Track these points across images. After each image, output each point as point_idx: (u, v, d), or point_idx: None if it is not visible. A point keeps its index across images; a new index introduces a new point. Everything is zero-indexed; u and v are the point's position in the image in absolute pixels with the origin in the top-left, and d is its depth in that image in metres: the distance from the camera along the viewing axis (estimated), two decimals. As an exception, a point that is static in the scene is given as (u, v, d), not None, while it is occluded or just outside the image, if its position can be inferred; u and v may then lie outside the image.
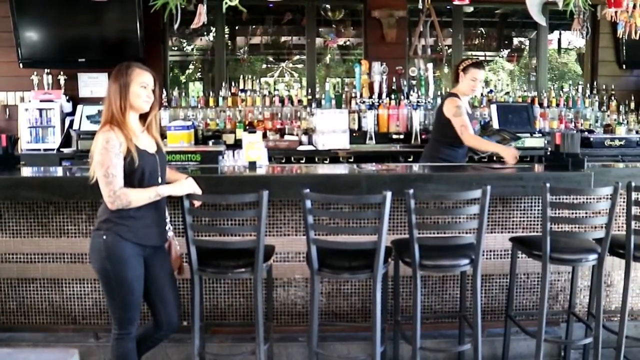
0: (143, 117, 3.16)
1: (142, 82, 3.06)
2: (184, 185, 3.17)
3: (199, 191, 3.21)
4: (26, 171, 4.31)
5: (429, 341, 3.78)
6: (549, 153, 4.29)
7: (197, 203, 3.31)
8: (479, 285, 3.35)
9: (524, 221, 4.06)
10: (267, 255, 3.32)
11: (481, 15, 8.73)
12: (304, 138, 6.50)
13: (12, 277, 4.06)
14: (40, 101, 6.60)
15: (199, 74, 9.82)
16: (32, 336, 4.01)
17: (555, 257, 3.41)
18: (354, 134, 6.47)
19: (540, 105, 7.06)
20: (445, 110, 4.77)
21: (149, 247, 3.12)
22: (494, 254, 4.07)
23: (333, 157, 6.09)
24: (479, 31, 9.56)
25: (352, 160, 6.03)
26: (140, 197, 2.98)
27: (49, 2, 6.46)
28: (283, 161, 6.07)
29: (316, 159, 6.12)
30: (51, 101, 6.60)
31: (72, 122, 6.53)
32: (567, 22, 5.37)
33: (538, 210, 4.03)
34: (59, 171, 4.57)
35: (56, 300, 4.07)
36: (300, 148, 6.31)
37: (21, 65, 6.55)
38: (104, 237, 2.99)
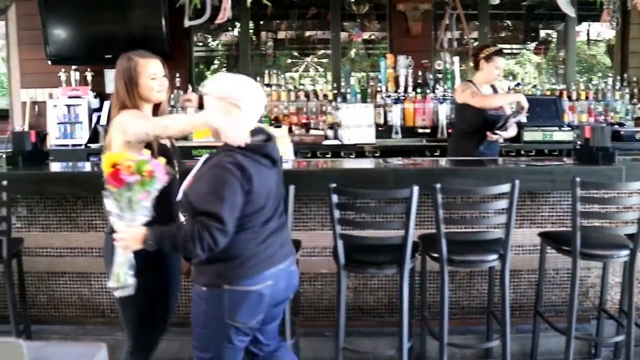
0: (155, 106, 2.95)
1: (150, 73, 2.82)
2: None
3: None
4: (55, 166, 4.36)
5: (456, 337, 3.75)
6: (578, 147, 4.22)
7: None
8: (508, 280, 3.32)
9: (552, 216, 4.00)
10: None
11: (507, 8, 8.61)
12: (330, 132, 6.47)
13: (42, 271, 4.12)
14: (68, 97, 6.67)
15: (224, 69, 9.84)
16: (61, 329, 4.07)
17: (585, 253, 3.36)
18: (380, 129, 6.43)
19: (569, 98, 6.94)
20: (456, 97, 4.91)
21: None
22: (522, 249, 4.02)
23: (359, 151, 6.07)
24: (505, 24, 9.45)
25: (377, 154, 5.99)
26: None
27: (76, 0, 6.52)
28: (308, 156, 6.05)
29: (342, 154, 6.10)
30: (79, 97, 6.66)
31: (99, 117, 6.59)
32: (597, 14, 5.28)
33: (567, 205, 3.96)
34: (86, 166, 4.61)
35: (85, 293, 4.13)
36: (326, 142, 6.29)
37: (49, 62, 6.62)
38: None
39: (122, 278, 2.53)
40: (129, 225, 2.47)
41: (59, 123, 6.60)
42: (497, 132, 4.62)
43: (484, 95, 4.72)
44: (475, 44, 7.34)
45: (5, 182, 3.44)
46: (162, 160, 2.51)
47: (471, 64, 5.31)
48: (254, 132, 2.58)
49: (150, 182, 2.41)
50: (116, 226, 2.51)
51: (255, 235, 2.53)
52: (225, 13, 4.64)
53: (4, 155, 4.25)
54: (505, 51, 5.04)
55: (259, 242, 2.54)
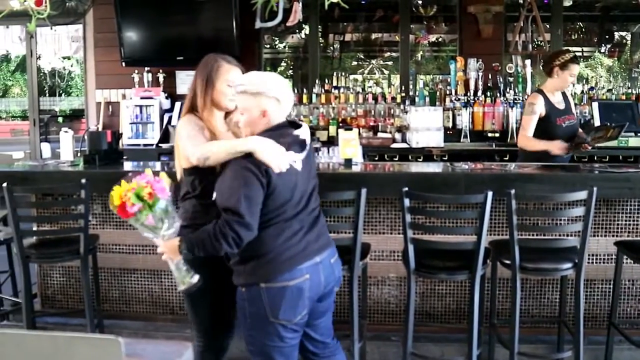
0: (227, 114, 2.95)
1: (228, 79, 2.81)
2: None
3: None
4: (128, 166, 4.48)
5: (525, 346, 3.65)
6: (658, 153, 4.06)
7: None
8: (582, 290, 3.23)
9: (629, 225, 3.87)
10: (364, 253, 3.31)
11: (581, 9, 8.37)
12: (398, 136, 6.45)
13: (115, 267, 4.26)
14: (141, 98, 6.85)
15: (290, 71, 9.93)
16: (133, 324, 4.19)
17: (666, 264, 3.24)
18: (448, 132, 6.36)
19: (645, 103, 6.69)
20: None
21: None
22: (596, 258, 3.90)
23: (426, 155, 6.02)
24: (577, 25, 9.19)
25: (446, 158, 5.93)
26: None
27: (149, 3, 6.70)
28: (376, 159, 6.03)
29: (409, 157, 6.06)
30: (151, 98, 6.83)
31: (170, 118, 6.73)
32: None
33: (646, 213, 3.83)
34: (157, 166, 4.72)
35: (155, 290, 4.23)
36: (394, 146, 6.27)
37: (123, 63, 6.81)
38: None
39: (187, 280, 2.63)
40: (164, 238, 2.59)
41: (131, 123, 6.78)
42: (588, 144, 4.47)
43: (527, 136, 4.56)
44: (548, 46, 7.19)
45: (84, 181, 3.56)
46: (163, 175, 2.57)
47: (541, 68, 5.15)
48: (282, 125, 2.62)
49: (154, 203, 2.49)
50: (157, 243, 2.63)
51: (282, 230, 2.54)
52: (296, 15, 4.67)
53: (79, 154, 4.40)
54: (576, 54, 4.95)
55: (289, 237, 2.54)
